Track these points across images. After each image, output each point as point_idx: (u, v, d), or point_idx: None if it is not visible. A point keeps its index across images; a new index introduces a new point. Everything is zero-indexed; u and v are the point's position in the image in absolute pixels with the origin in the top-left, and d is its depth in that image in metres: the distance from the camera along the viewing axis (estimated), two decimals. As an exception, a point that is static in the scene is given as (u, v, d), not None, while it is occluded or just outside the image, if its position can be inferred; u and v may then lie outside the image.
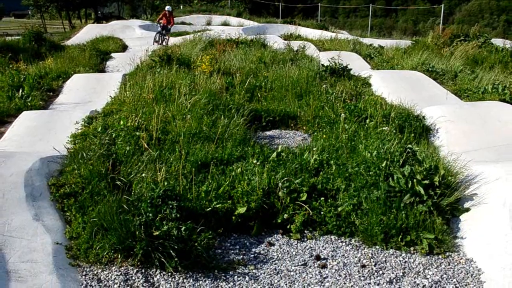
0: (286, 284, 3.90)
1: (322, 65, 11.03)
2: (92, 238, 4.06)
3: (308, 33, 21.97)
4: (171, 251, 3.87)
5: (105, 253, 3.94)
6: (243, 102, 8.05)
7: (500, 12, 72.05)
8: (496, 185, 4.75)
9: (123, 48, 17.86)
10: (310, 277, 4.01)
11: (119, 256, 3.96)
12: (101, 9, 47.35)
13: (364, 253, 4.38)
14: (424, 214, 4.55)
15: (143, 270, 3.90)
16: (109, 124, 6.51)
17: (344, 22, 65.90)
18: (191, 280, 3.85)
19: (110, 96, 8.47)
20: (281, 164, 5.44)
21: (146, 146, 5.67)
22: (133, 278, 3.82)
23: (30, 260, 3.72)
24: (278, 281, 3.95)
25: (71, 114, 7.68)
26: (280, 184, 4.86)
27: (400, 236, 4.46)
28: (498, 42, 17.38)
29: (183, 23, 28.39)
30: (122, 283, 3.74)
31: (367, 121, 7.06)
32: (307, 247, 4.47)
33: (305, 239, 4.60)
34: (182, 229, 3.98)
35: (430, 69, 11.50)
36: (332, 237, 4.65)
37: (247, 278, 3.96)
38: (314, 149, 5.87)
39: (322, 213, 4.74)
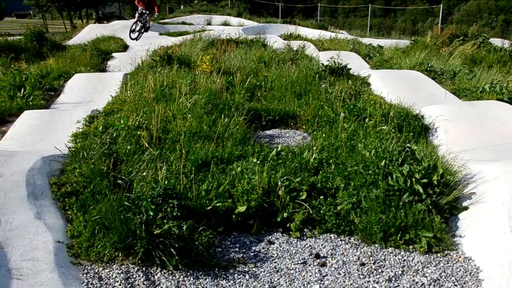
0: (286, 282, 3.92)
1: (322, 64, 11.04)
2: (93, 236, 4.08)
3: (308, 33, 21.96)
4: (172, 250, 3.90)
5: (106, 252, 3.96)
6: (243, 102, 8.06)
7: (498, 12, 72.06)
8: (495, 184, 4.78)
9: (124, 48, 17.84)
10: (310, 275, 4.03)
11: (120, 255, 3.98)
12: (102, 9, 47.39)
13: (363, 252, 4.40)
14: (423, 212, 4.57)
15: (144, 269, 3.92)
16: (110, 123, 6.53)
17: (343, 22, 65.90)
18: (192, 278, 3.88)
19: (111, 96, 8.48)
20: (281, 163, 5.46)
21: (147, 145, 5.69)
22: (134, 276, 3.84)
23: (31, 258, 3.74)
24: (278, 279, 3.97)
25: (72, 113, 7.69)
26: (280, 183, 4.89)
27: (399, 235, 4.48)
28: (496, 42, 17.39)
29: (183, 23, 28.42)
30: (123, 281, 3.76)
31: (366, 120, 7.09)
32: (306, 246, 4.50)
33: (305, 238, 4.63)
34: (183, 227, 4.00)
35: (428, 68, 11.52)
36: (332, 235, 4.68)
37: (247, 276, 3.99)
38: (314, 148, 5.89)
39: (321, 211, 4.76)
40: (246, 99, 8.49)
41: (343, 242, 4.58)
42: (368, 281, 3.95)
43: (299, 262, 4.23)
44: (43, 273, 3.60)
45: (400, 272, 4.08)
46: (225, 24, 27.87)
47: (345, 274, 4.06)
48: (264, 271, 4.08)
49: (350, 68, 10.84)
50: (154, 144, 5.86)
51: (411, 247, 4.44)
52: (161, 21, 29.72)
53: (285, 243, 4.53)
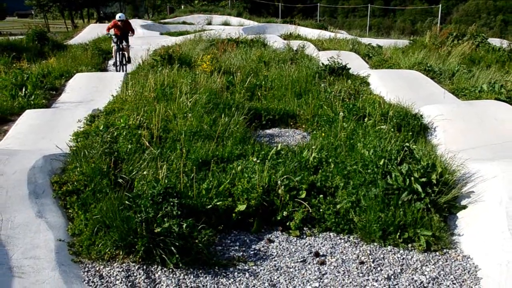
0: (285, 281, 3.94)
1: (321, 64, 11.07)
2: (94, 235, 4.10)
3: (308, 33, 21.99)
4: (172, 248, 3.91)
5: (107, 250, 3.98)
6: (243, 101, 8.10)
7: (497, 12, 72.12)
8: (493, 183, 4.80)
9: (125, 47, 17.85)
10: (309, 274, 4.05)
11: (120, 253, 4.00)
12: (103, 9, 47.43)
13: (363, 250, 4.42)
14: (422, 211, 4.59)
15: (144, 267, 3.94)
16: (111, 122, 6.55)
17: (343, 22, 65.92)
18: (192, 277, 3.89)
19: (112, 95, 8.50)
20: (281, 162, 5.49)
21: (147, 144, 5.72)
22: (135, 274, 3.85)
23: (33, 256, 3.75)
24: (278, 277, 3.99)
25: (74, 112, 7.72)
26: (279, 182, 4.91)
27: (398, 233, 4.50)
28: (495, 41, 17.42)
29: (184, 22, 28.48)
30: (123, 279, 3.77)
31: (366, 119, 7.12)
32: (306, 244, 4.51)
33: (304, 236, 4.65)
34: (183, 226, 4.01)
35: (427, 68, 11.55)
36: (331, 234, 4.70)
37: (247, 275, 4.00)
38: (313, 147, 5.92)
39: (321, 210, 4.78)
40: (246, 99, 8.53)
41: (342, 240, 4.60)
42: (367, 280, 3.97)
43: (299, 260, 4.25)
44: (44, 271, 3.61)
45: (399, 271, 4.10)
46: (225, 24, 27.92)
47: (344, 273, 4.07)
48: (264, 269, 4.09)
49: (350, 68, 10.87)
50: (155, 143, 5.89)
51: (410, 245, 4.46)
52: (161, 20, 29.81)
53: (284, 242, 4.55)
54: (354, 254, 4.36)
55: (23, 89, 9.27)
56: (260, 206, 4.75)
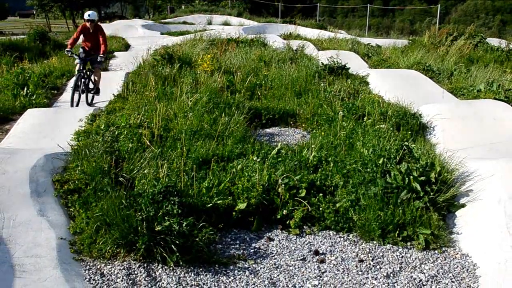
0: (285, 279, 3.96)
1: (321, 64, 11.08)
2: (95, 233, 4.12)
3: (307, 33, 21.99)
4: (173, 246, 3.93)
5: (108, 248, 4.00)
6: (243, 100, 8.12)
7: (495, 12, 72.30)
8: (491, 182, 4.83)
9: (126, 47, 17.88)
10: (309, 272, 4.07)
11: (121, 251, 4.02)
12: (104, 9, 47.45)
13: (362, 248, 4.44)
14: (421, 210, 4.61)
15: (145, 265, 3.96)
16: (112, 121, 6.57)
17: (342, 21, 66.00)
18: (192, 275, 3.91)
19: (113, 94, 8.53)
20: (281, 161, 5.51)
21: (148, 143, 5.74)
22: (136, 272, 3.87)
23: (34, 255, 3.77)
24: (278, 275, 4.01)
25: (75, 111, 7.75)
26: (279, 181, 4.93)
27: (397, 232, 4.52)
28: (493, 41, 17.46)
29: (184, 22, 28.48)
30: (124, 277, 3.79)
31: (365, 119, 7.14)
32: (306, 242, 4.54)
33: (304, 235, 4.67)
34: (184, 224, 4.03)
35: (426, 68, 11.57)
36: (331, 232, 4.72)
37: (247, 273, 4.02)
38: (313, 146, 5.95)
39: (320, 209, 4.80)
40: (246, 98, 8.55)
41: (341, 239, 4.62)
42: (367, 278, 3.99)
43: (299, 258, 4.27)
44: (46, 269, 3.63)
45: (398, 269, 4.12)
46: (226, 23, 27.93)
47: (344, 271, 4.09)
48: (264, 268, 4.12)
49: (349, 68, 10.89)
50: (156, 142, 5.91)
51: (409, 244, 4.48)
52: (162, 20, 29.81)
53: (284, 240, 4.57)
54: (354, 252, 4.38)
55: (25, 89, 9.31)
56: (260, 204, 4.77)
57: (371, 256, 4.30)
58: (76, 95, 8.66)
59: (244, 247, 4.43)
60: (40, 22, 35.33)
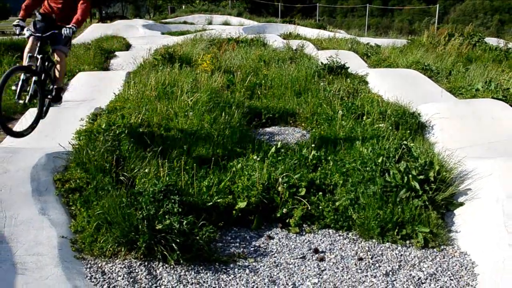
0: (285, 277, 3.99)
1: (321, 63, 11.09)
2: (96, 231, 4.14)
3: (307, 33, 21.98)
4: (173, 245, 3.96)
5: (109, 246, 4.02)
6: (243, 100, 8.14)
7: (493, 12, 72.45)
8: (489, 181, 4.86)
9: (127, 47, 17.84)
10: (309, 270, 4.10)
11: (122, 249, 4.04)
12: (105, 9, 47.47)
13: (361, 247, 4.47)
14: (420, 208, 4.64)
15: (146, 263, 3.98)
16: (113, 121, 6.59)
17: (341, 21, 66.05)
18: (193, 273, 3.94)
19: (114, 94, 8.54)
20: (281, 160, 5.54)
21: (149, 142, 5.76)
22: (136, 270, 3.90)
23: (36, 253, 3.79)
24: (278, 273, 4.04)
25: (76, 111, 7.74)
26: (279, 180, 4.96)
27: (396, 230, 4.56)
28: (492, 41, 17.49)
29: (185, 22, 28.45)
30: (125, 275, 3.81)
31: (364, 118, 7.16)
32: (305, 241, 4.57)
33: (304, 233, 4.70)
34: (184, 223, 4.06)
35: (425, 67, 11.59)
36: (330, 231, 4.75)
37: (247, 271, 4.05)
38: (313, 145, 5.97)
39: (320, 207, 4.83)
40: (246, 97, 8.56)
41: (341, 237, 4.65)
42: (366, 276, 4.02)
43: (298, 256, 4.30)
44: (47, 268, 3.64)
45: (397, 267, 4.15)
46: (226, 23, 27.90)
47: (343, 269, 4.12)
48: (264, 266, 4.14)
49: (348, 67, 10.90)
50: (156, 141, 5.93)
51: (408, 242, 4.51)
52: (163, 20, 29.79)
53: (284, 238, 4.60)
54: (353, 250, 4.41)
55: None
56: (260, 203, 4.80)
57: (370, 254, 4.33)
58: (20, 101, 5.23)
59: (244, 245, 4.45)
60: (41, 22, 35.31)
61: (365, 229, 4.61)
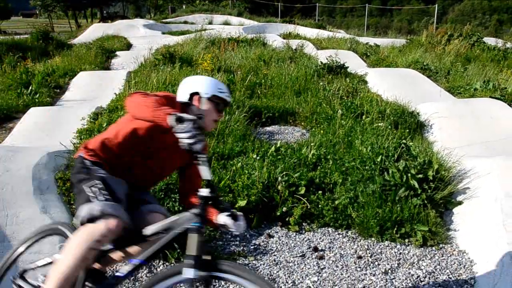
0: (285, 275, 4.00)
1: (320, 63, 11.13)
2: (97, 230, 4.17)
3: (307, 32, 22.01)
4: (174, 243, 3.98)
5: (110, 245, 4.06)
6: (243, 99, 8.16)
7: (492, 11, 72.57)
8: (488, 180, 4.87)
9: (128, 46, 17.87)
10: (308, 268, 4.11)
11: (123, 248, 4.07)
12: (106, 9, 47.52)
13: (360, 245, 4.49)
14: (418, 207, 4.65)
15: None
16: (114, 120, 6.61)
17: (341, 21, 66.14)
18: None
19: (115, 93, 8.56)
20: (280, 159, 5.56)
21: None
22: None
23: (37, 251, 3.79)
24: (277, 271, 4.05)
25: (77, 110, 7.77)
26: (279, 178, 4.98)
27: (395, 229, 4.56)
28: (490, 41, 17.51)
29: (185, 22, 28.49)
30: (126, 274, 3.84)
31: (363, 117, 7.19)
32: (305, 239, 4.59)
33: (303, 231, 4.72)
34: (185, 221, 4.08)
35: (424, 67, 11.63)
36: (330, 229, 4.77)
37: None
38: (312, 144, 6.00)
39: (319, 206, 4.85)
40: (246, 97, 8.58)
41: (340, 235, 4.66)
42: (365, 274, 4.03)
43: (298, 255, 4.31)
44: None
45: (396, 265, 4.16)
46: (226, 23, 27.93)
47: (343, 267, 4.13)
48: (263, 264, 4.15)
49: (348, 67, 10.93)
50: (156, 140, 5.94)
51: (406, 240, 4.52)
52: (163, 20, 29.81)
53: (284, 237, 4.62)
54: (352, 249, 4.43)
55: (28, 88, 9.37)
56: (260, 202, 4.81)
57: (369, 253, 4.35)
58: None
59: (244, 243, 4.47)
60: (43, 22, 35.39)
61: (364, 227, 4.62)
